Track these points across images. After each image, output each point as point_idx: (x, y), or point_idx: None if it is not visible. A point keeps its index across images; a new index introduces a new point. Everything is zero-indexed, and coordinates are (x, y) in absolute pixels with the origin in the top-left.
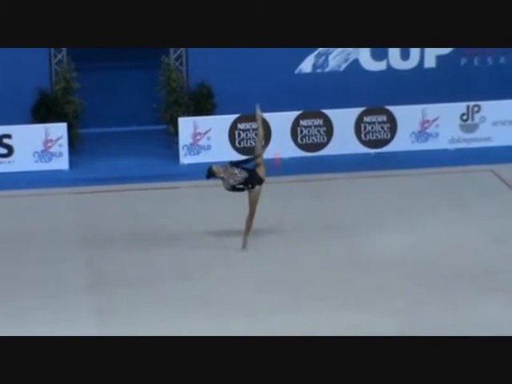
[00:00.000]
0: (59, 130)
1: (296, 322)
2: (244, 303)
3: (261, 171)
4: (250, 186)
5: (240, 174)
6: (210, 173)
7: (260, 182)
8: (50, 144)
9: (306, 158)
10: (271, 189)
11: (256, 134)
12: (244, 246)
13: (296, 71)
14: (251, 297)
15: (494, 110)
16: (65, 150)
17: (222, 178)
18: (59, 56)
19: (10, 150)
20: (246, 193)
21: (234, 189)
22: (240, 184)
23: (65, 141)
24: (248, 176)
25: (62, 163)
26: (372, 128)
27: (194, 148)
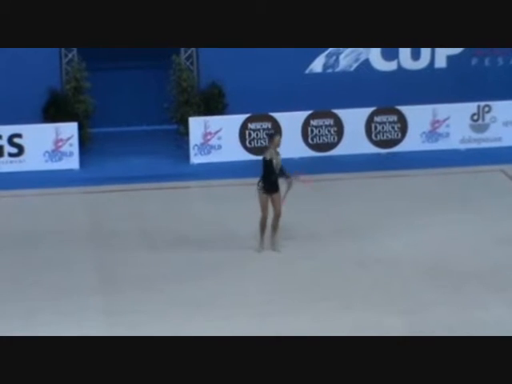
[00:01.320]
0: (70, 129)
1: (302, 322)
2: (251, 304)
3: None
4: (258, 183)
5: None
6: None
7: (264, 189)
8: (60, 143)
9: (316, 157)
10: (281, 188)
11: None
12: (275, 248)
13: (307, 71)
14: (258, 298)
15: (504, 110)
16: (75, 149)
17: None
18: (70, 55)
19: (21, 149)
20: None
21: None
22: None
23: (75, 140)
24: (262, 177)
25: (72, 163)
26: (382, 128)
27: (204, 148)
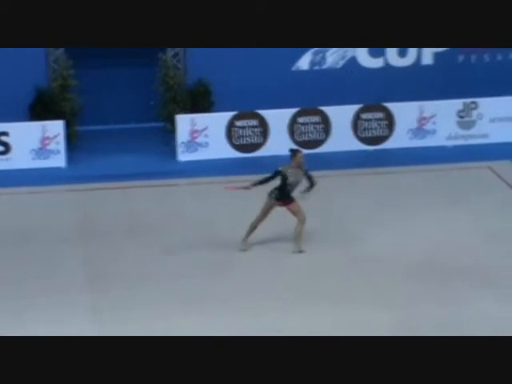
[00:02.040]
0: (56, 127)
1: (293, 319)
2: (241, 301)
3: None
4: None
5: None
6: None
7: (274, 197)
8: (47, 141)
9: (303, 155)
10: (269, 185)
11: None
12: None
13: (293, 68)
14: (248, 295)
15: (491, 106)
16: (62, 147)
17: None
18: (56, 53)
19: (8, 147)
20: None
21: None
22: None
23: (62, 138)
24: (280, 187)
25: (59, 160)
26: (369, 125)
27: (191, 145)
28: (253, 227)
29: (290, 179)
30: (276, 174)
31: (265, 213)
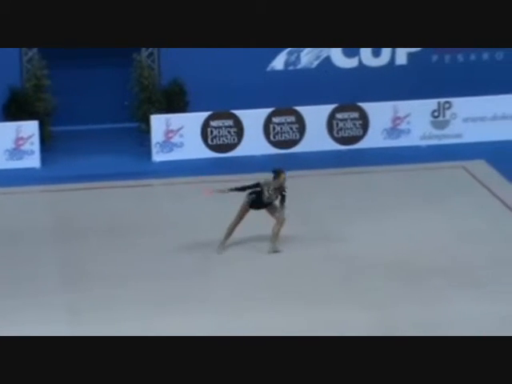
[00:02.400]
0: (30, 127)
1: (271, 318)
2: (219, 301)
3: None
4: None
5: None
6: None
7: (250, 199)
8: (21, 142)
9: (278, 155)
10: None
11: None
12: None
13: (268, 68)
14: (224, 295)
15: (464, 106)
16: (36, 147)
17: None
18: (30, 53)
19: None
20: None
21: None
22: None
23: (36, 139)
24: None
25: (33, 161)
26: (344, 125)
27: (166, 145)
28: (230, 231)
29: (265, 197)
30: (255, 185)
31: (241, 216)
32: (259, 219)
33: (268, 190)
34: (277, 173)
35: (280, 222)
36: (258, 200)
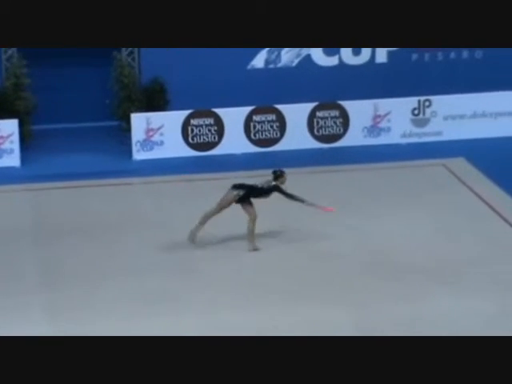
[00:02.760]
0: (10, 126)
1: (251, 316)
2: (198, 300)
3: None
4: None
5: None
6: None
7: (236, 194)
8: (0, 141)
9: (259, 153)
10: (224, 184)
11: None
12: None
13: (248, 67)
14: (205, 294)
15: (444, 104)
16: (16, 146)
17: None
18: (9, 52)
19: None
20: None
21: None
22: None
23: (16, 137)
24: (250, 189)
25: (13, 160)
26: (325, 123)
27: (146, 144)
28: (205, 220)
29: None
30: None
31: (221, 206)
32: (237, 216)
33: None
34: (280, 173)
35: (252, 219)
36: (246, 196)
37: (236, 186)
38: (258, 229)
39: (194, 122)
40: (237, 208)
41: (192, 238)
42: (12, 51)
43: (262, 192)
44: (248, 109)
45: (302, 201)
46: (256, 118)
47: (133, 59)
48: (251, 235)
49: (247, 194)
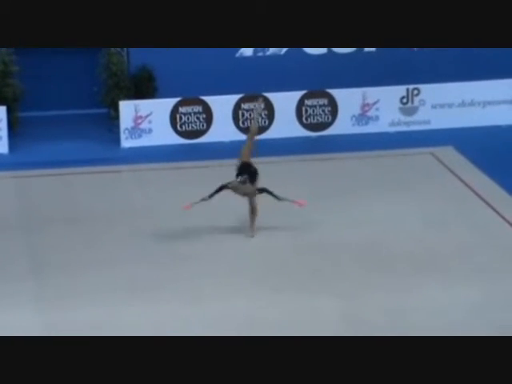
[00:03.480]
0: None
1: (238, 306)
2: (183, 289)
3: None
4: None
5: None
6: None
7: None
8: None
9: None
10: (212, 173)
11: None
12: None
13: (237, 55)
14: (190, 282)
15: (433, 93)
16: (4, 133)
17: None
18: None
19: None
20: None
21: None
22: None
23: (4, 124)
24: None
25: (1, 147)
26: (313, 111)
27: (135, 131)
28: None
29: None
30: (220, 189)
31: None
32: (227, 206)
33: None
34: (245, 179)
35: (253, 210)
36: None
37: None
38: (246, 216)
39: (182, 109)
40: (228, 201)
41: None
42: None
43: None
44: (236, 97)
45: (276, 197)
46: (244, 105)
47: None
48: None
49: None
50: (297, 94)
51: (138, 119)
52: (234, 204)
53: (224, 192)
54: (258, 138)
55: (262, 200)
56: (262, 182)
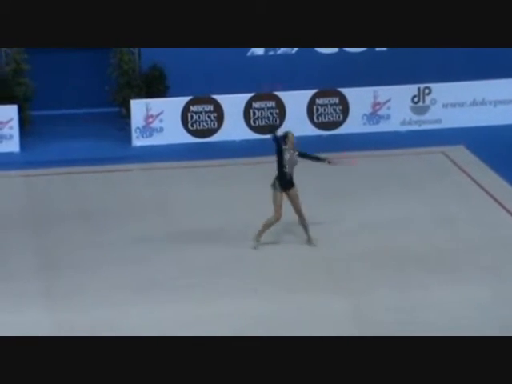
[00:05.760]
0: (10, 112)
1: (249, 304)
2: (193, 288)
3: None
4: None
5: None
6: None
7: (277, 187)
8: (0, 126)
9: (258, 140)
10: (223, 171)
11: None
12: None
13: (248, 53)
14: (200, 281)
15: (444, 92)
16: (15, 132)
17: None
18: None
19: None
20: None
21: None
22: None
23: (15, 123)
24: (279, 175)
25: (12, 145)
26: (324, 110)
27: (146, 130)
28: (268, 226)
29: (287, 157)
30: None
31: (279, 207)
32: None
33: (289, 154)
34: (283, 136)
35: (299, 212)
36: (283, 183)
37: (273, 183)
38: (254, 214)
39: (193, 108)
40: (239, 200)
41: (255, 246)
42: None
43: (284, 166)
44: (248, 96)
45: (323, 160)
46: (255, 104)
47: None
48: (303, 221)
49: (283, 180)
50: (308, 93)
51: (149, 118)
52: (243, 208)
53: (235, 200)
54: (268, 136)
55: (265, 200)
56: (269, 181)
